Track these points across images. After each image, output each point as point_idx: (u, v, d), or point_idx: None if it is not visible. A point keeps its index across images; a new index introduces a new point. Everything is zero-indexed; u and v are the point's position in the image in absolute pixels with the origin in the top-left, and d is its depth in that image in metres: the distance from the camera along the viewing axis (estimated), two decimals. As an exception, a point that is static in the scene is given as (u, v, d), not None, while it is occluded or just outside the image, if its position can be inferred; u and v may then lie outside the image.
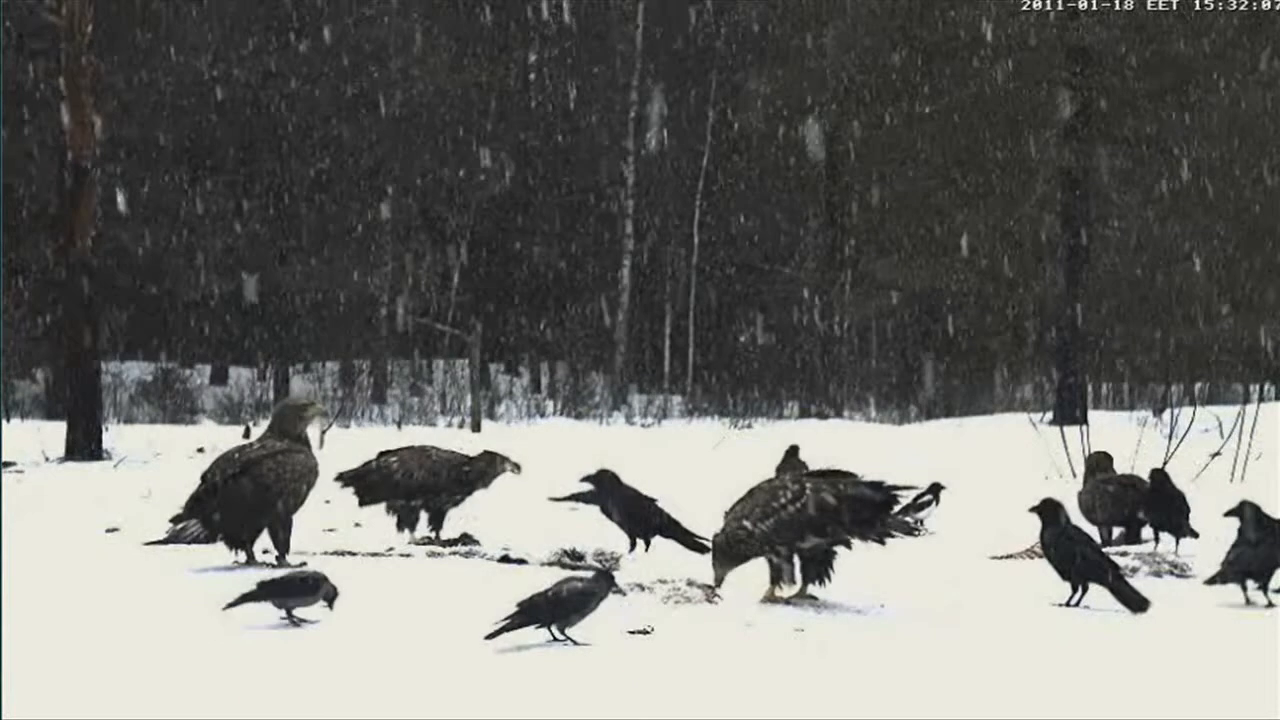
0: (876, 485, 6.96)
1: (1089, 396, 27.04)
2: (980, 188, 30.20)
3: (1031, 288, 29.56)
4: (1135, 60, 27.19)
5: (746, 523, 6.90)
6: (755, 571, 7.02)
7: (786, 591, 6.98)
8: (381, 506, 9.03)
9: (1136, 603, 6.94)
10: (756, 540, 6.88)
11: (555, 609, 5.91)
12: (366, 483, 9.00)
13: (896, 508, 7.06)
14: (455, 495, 9.02)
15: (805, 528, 6.84)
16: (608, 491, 8.63)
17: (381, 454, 9.12)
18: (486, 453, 9.24)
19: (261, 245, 33.55)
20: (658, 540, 8.56)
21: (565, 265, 39.10)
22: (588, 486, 8.72)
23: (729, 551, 6.96)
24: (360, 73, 34.78)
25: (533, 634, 5.93)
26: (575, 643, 5.92)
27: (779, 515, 6.85)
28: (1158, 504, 9.04)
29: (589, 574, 6.22)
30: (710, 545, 8.35)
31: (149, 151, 31.71)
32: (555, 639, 5.91)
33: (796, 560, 6.99)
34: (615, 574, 6.54)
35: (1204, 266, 28.88)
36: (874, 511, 6.91)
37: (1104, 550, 7.62)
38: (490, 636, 5.85)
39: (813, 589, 7.00)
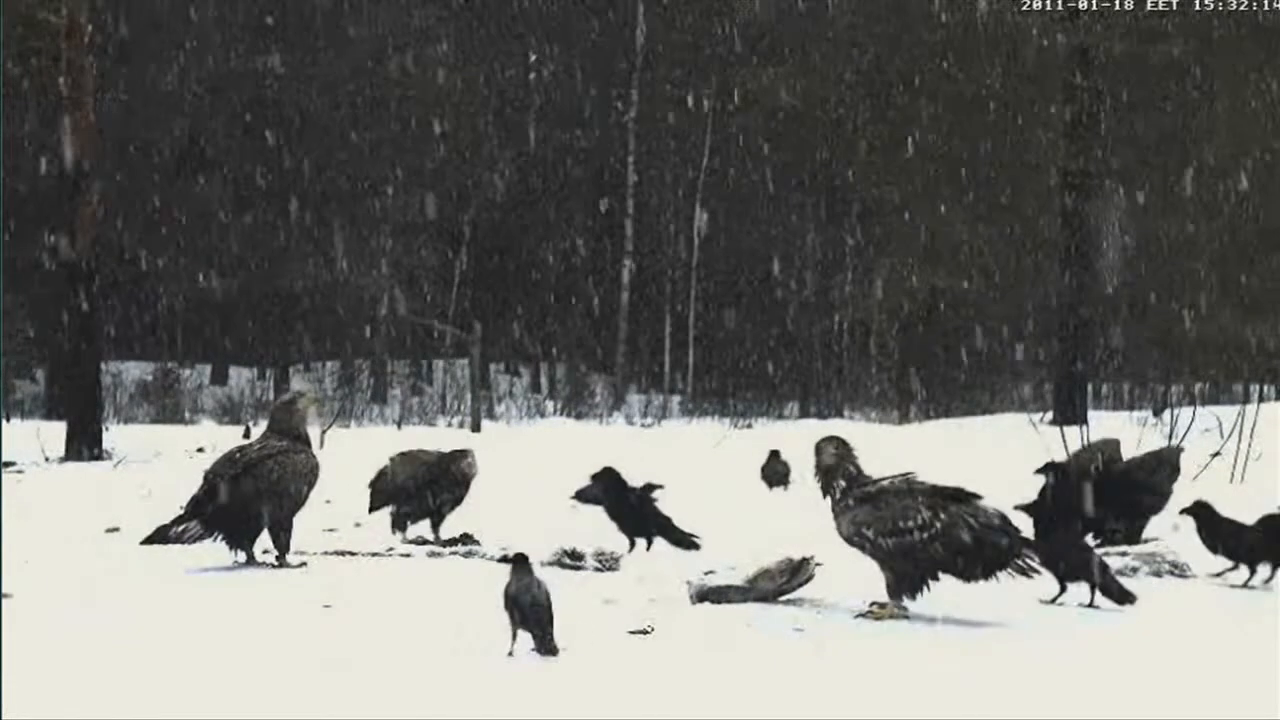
0: (1005, 521, 6.65)
1: (1089, 396, 27.03)
2: (981, 188, 30.24)
3: (1032, 288, 29.57)
4: (1136, 61, 27.20)
5: (868, 531, 6.58)
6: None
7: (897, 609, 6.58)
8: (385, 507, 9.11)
9: (1121, 596, 7.00)
10: (880, 552, 6.57)
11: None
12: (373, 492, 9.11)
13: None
14: (440, 495, 9.03)
15: (934, 565, 6.48)
16: (611, 489, 8.65)
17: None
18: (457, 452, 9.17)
19: (262, 245, 33.55)
20: (658, 540, 8.57)
21: (565, 265, 39.10)
22: (596, 487, 8.78)
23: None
24: (362, 72, 34.78)
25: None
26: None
27: (903, 538, 6.52)
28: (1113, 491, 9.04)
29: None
30: (700, 543, 8.41)
31: (149, 151, 31.71)
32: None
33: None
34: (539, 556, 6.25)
35: (1204, 266, 28.89)
36: (1006, 556, 6.60)
37: (1093, 547, 7.65)
38: None
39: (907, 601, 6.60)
